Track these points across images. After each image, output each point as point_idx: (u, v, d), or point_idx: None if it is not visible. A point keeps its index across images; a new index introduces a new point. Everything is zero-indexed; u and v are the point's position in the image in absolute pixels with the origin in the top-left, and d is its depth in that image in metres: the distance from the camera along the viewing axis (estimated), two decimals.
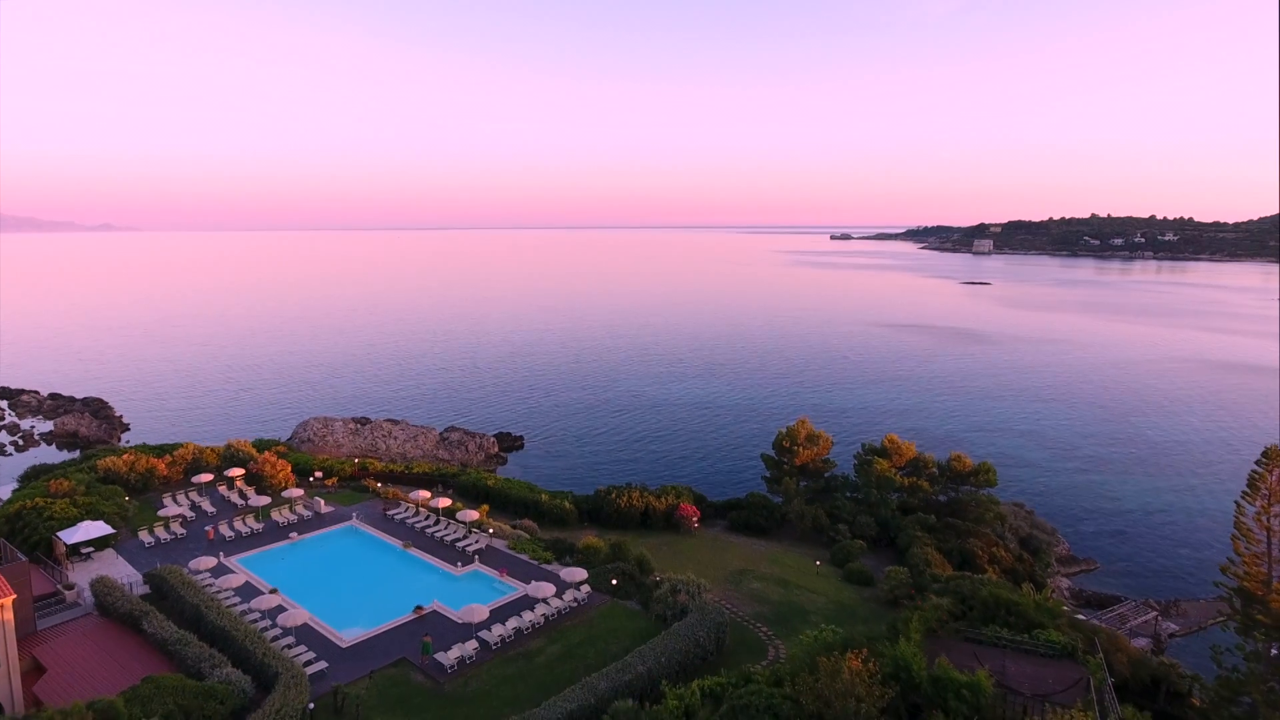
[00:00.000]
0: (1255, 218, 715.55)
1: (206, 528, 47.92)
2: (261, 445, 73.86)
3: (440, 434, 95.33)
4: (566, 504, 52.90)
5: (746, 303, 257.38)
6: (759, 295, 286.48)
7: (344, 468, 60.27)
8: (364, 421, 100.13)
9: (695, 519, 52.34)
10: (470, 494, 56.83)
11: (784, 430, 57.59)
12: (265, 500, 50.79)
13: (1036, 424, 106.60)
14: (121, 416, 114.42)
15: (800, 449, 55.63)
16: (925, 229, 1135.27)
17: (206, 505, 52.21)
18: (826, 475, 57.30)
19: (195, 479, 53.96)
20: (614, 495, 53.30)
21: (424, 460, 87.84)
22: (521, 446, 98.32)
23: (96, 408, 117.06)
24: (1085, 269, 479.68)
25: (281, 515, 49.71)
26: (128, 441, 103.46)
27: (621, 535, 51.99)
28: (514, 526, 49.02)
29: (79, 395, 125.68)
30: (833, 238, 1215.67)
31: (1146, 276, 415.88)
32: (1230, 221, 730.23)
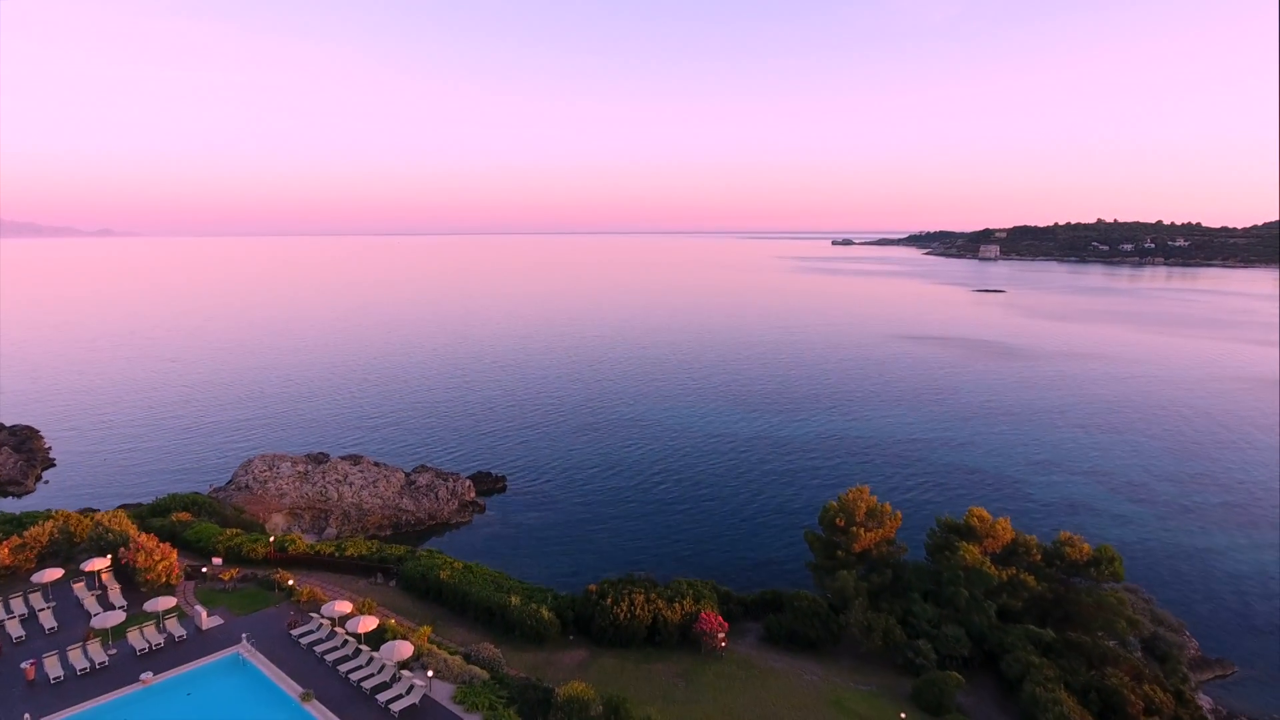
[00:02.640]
0: (1260, 222, 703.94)
1: (25, 664, 33.33)
2: (172, 503, 59.48)
3: (407, 476, 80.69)
4: (545, 612, 38.39)
5: (756, 314, 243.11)
6: (768, 306, 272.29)
7: (254, 548, 45.74)
8: (320, 460, 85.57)
9: (722, 635, 37.97)
10: (418, 589, 42.40)
11: (835, 503, 43.13)
12: (122, 617, 35.98)
13: (1103, 461, 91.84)
14: (49, 449, 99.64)
15: (860, 530, 41.27)
16: (928, 234, 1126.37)
17: (47, 617, 37.70)
18: (895, 562, 42.84)
19: (36, 577, 39.26)
20: (609, 600, 38.75)
21: (384, 512, 73.51)
22: (503, 489, 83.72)
23: (23, 438, 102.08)
24: (1096, 275, 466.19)
25: (142, 637, 35.27)
26: (46, 482, 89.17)
27: (621, 658, 37.51)
28: (468, 658, 34.52)
29: (10, 421, 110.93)
30: (834, 243, 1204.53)
31: (1164, 283, 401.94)
32: (1235, 225, 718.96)
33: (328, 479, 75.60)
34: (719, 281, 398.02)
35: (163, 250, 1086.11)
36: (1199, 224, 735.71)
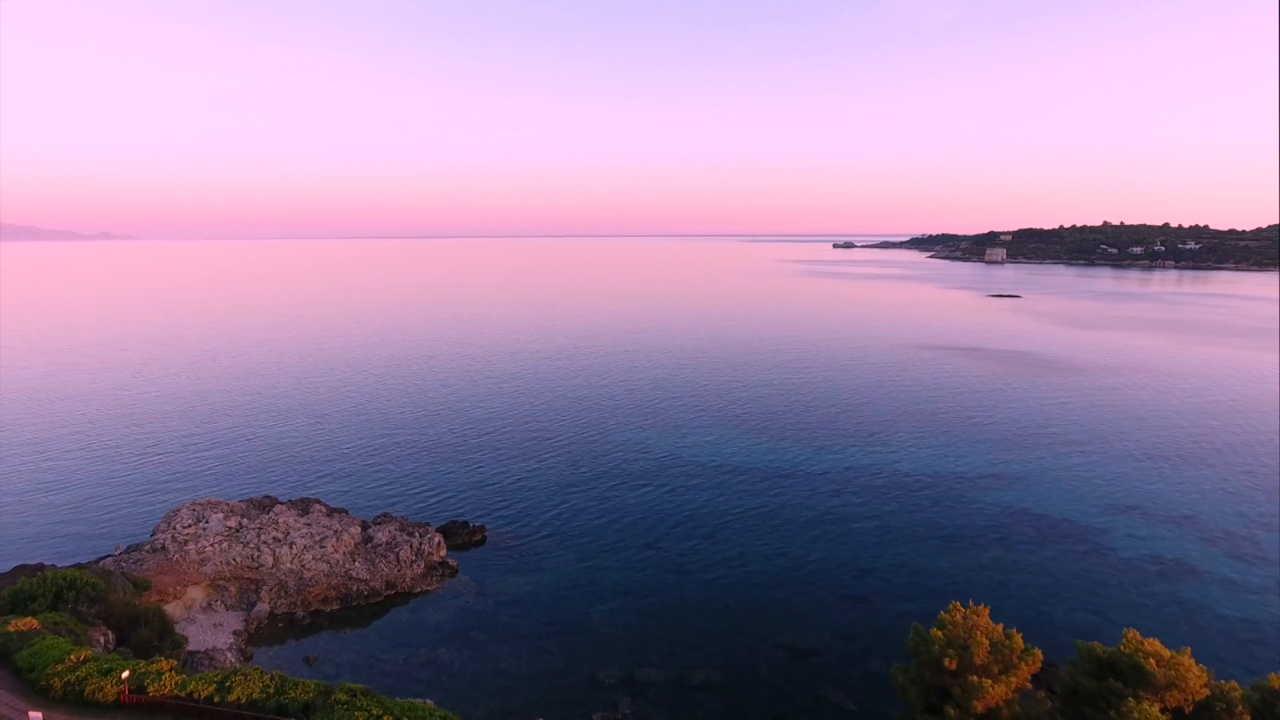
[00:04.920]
0: (1265, 224, 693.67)
1: None
2: (39, 589, 45.56)
3: (364, 529, 66.83)
4: None
5: (767, 322, 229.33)
6: (779, 313, 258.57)
7: (103, 685, 32.07)
8: (264, 506, 71.65)
9: None
10: None
11: (939, 631, 29.22)
12: None
13: (1193, 503, 77.68)
14: None
15: (983, 680, 27.61)
16: (930, 237, 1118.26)
17: None
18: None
19: None
20: None
21: (330, 581, 59.43)
22: (482, 540, 69.91)
23: None
24: (1109, 280, 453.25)
25: None
26: None
27: None
28: None
29: None
30: (835, 246, 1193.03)
31: (1184, 288, 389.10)
32: (1242, 228, 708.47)
33: (263, 537, 61.62)
34: (724, 286, 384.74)
35: (159, 254, 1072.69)
36: (1207, 226, 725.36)
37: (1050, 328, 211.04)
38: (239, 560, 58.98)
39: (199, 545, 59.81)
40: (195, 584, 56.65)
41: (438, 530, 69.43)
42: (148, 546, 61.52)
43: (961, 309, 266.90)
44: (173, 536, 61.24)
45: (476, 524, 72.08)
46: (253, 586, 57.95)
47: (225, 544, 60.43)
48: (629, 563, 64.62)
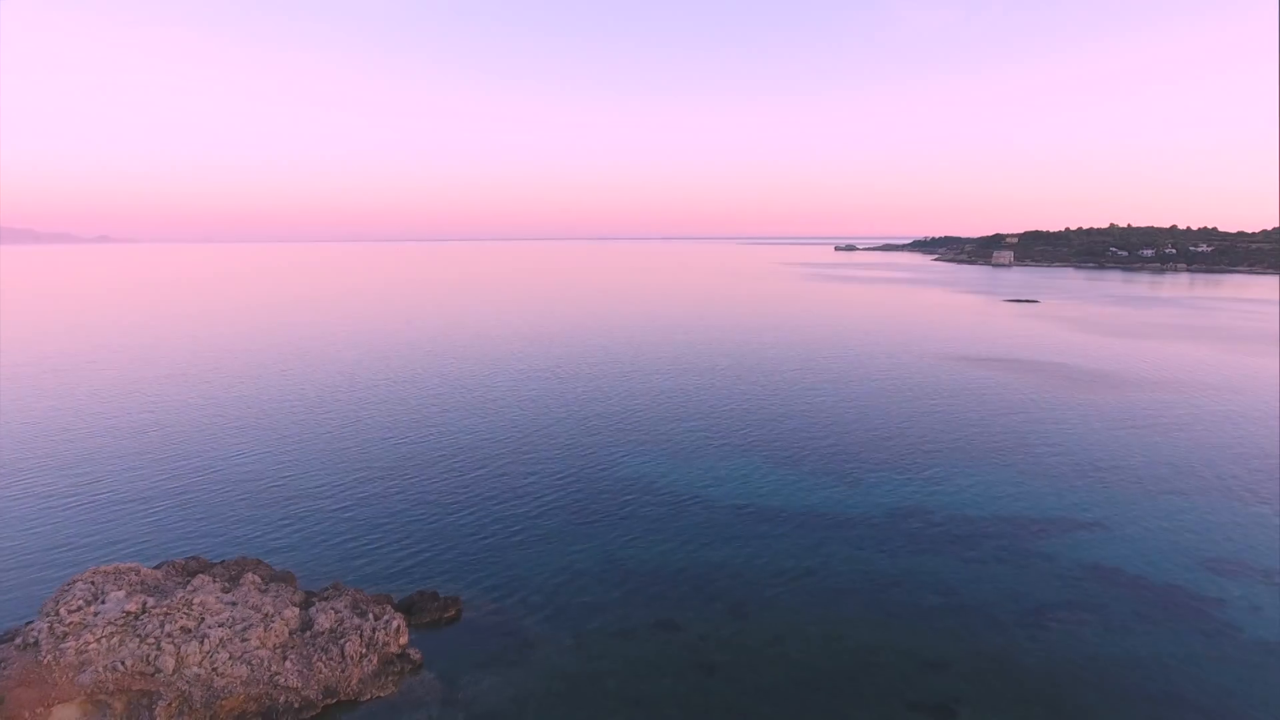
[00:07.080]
0: (1267, 226, 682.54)
1: None
2: None
3: (303, 606, 53.14)
4: None
5: (782, 331, 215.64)
6: (792, 321, 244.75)
7: None
8: (187, 573, 58.24)
9: None
10: None
11: None
12: None
13: None
14: None
15: None
16: (933, 240, 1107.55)
17: None
18: None
19: None
20: None
21: (248, 690, 45.32)
22: (455, 618, 56.01)
23: None
24: (1121, 283, 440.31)
25: None
26: None
27: None
28: None
29: None
30: (837, 249, 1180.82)
31: (1203, 291, 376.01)
32: (1248, 230, 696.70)
33: (168, 627, 47.72)
34: (727, 291, 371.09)
35: (158, 257, 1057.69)
36: (1215, 229, 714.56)
37: (1081, 336, 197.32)
38: (129, 664, 45.07)
39: (80, 640, 45.94)
40: (66, 700, 42.78)
41: (400, 606, 55.91)
42: (19, 640, 47.66)
43: (979, 315, 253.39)
44: (51, 627, 47.42)
45: (449, 594, 58.32)
46: (145, 701, 44.10)
47: (116, 639, 46.59)
48: (640, 651, 50.84)
